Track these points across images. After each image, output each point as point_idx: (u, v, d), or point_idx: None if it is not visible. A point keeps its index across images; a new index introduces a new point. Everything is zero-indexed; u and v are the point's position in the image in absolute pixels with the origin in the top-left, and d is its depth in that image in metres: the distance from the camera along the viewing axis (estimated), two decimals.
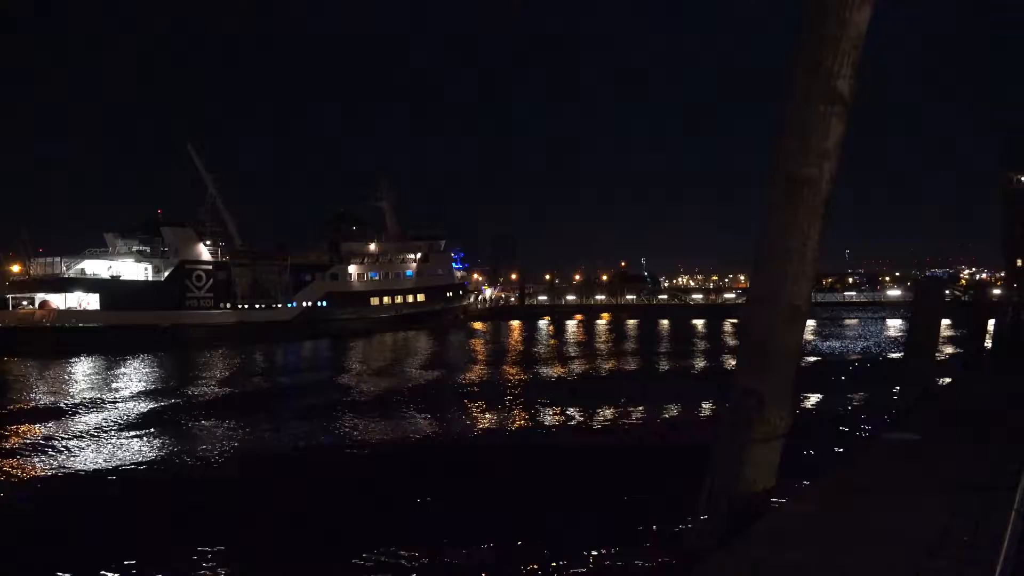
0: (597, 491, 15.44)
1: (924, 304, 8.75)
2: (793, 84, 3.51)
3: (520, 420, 24.50)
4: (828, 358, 43.42)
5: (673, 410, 25.40)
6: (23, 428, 24.29)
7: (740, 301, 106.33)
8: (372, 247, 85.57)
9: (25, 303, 62.57)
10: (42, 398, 31.51)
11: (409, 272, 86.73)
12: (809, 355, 42.94)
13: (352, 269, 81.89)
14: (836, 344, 54.21)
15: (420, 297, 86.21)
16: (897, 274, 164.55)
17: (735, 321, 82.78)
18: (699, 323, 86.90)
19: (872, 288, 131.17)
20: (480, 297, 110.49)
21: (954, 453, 5.46)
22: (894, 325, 74.26)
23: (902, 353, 9.05)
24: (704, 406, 25.69)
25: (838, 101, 3.39)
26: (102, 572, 11.34)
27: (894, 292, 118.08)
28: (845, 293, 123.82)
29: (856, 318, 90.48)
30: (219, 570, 11.44)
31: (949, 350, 39.68)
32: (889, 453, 5.54)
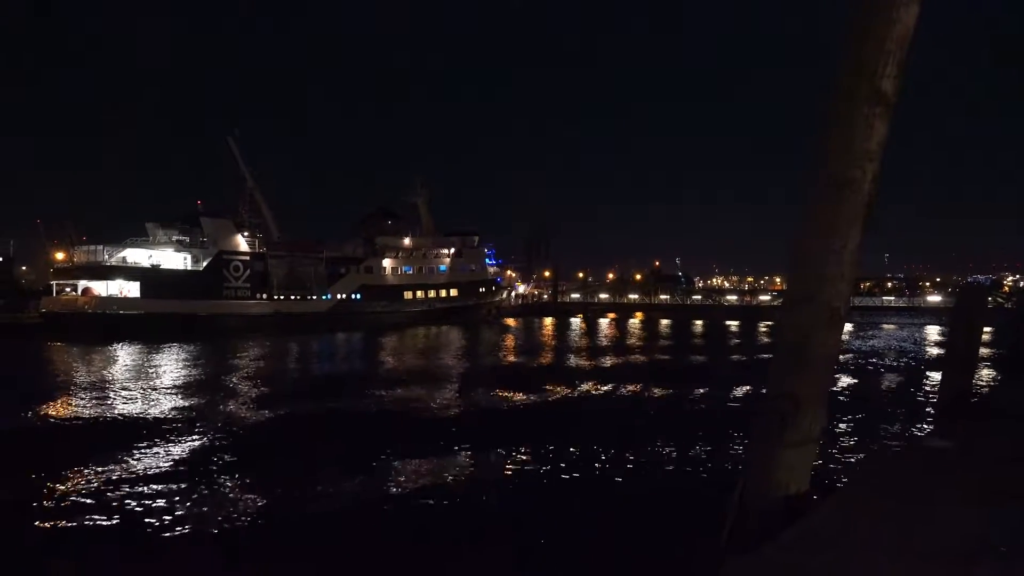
0: (619, 491, 15.39)
1: (965, 310, 8.56)
2: (835, 82, 3.46)
3: (544, 414, 24.49)
4: (865, 363, 42.74)
5: (704, 411, 25.22)
6: (70, 407, 24.92)
7: (775, 303, 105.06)
8: (406, 241, 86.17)
9: (68, 290, 64.07)
10: (87, 380, 32.28)
11: (442, 267, 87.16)
12: (846, 359, 42.33)
13: (386, 263, 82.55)
14: (874, 349, 53.35)
15: (453, 292, 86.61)
16: (938, 279, 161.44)
17: (770, 323, 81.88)
18: (733, 324, 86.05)
19: (912, 293, 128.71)
20: (513, 293, 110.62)
21: (992, 461, 5.35)
22: (934, 331, 72.85)
23: (941, 360, 8.85)
24: (736, 407, 25.46)
25: (882, 101, 3.33)
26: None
27: (934, 297, 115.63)
28: (884, 298, 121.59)
29: (894, 323, 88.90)
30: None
31: (990, 358, 38.86)
32: (925, 459, 5.45)
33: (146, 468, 17.14)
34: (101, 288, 63.67)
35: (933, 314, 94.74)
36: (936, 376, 31.66)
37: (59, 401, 27.09)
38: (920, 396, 28.26)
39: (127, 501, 14.40)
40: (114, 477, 16.33)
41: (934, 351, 50.18)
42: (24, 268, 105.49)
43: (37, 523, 13.11)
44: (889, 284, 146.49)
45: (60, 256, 67.78)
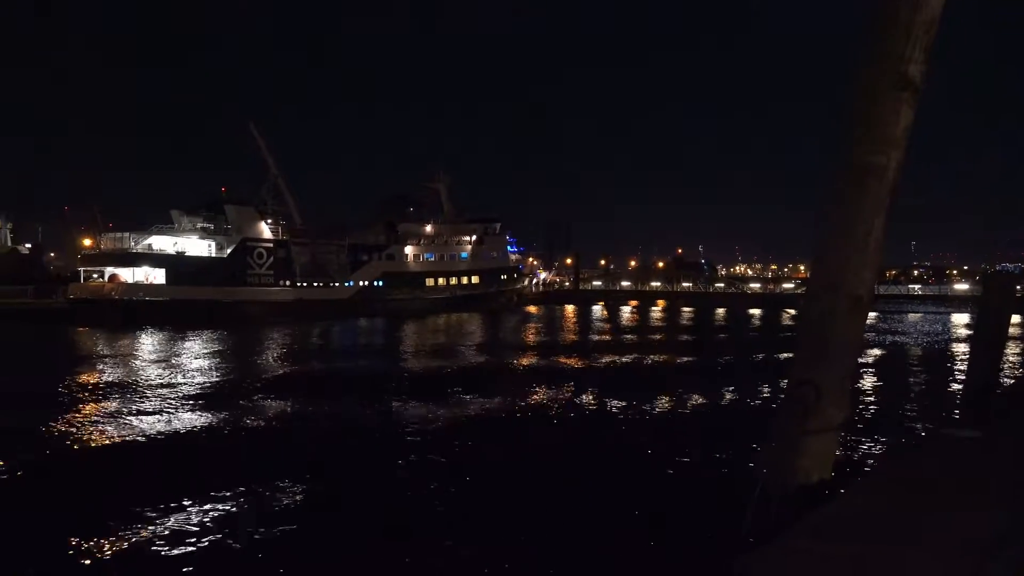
0: (640, 480, 15.38)
1: (993, 299, 8.46)
2: (860, 68, 3.42)
3: (560, 399, 24.51)
4: (890, 351, 42.33)
5: (724, 397, 25.12)
6: (96, 391, 25.31)
7: (798, 291, 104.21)
8: (428, 228, 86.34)
9: (96, 276, 64.94)
10: (112, 366, 32.78)
11: (464, 254, 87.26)
12: (870, 348, 41.95)
13: (408, 250, 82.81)
14: (899, 338, 52.80)
15: (475, 279, 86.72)
16: (965, 267, 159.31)
17: (793, 311, 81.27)
18: (756, 312, 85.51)
19: (938, 282, 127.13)
20: (535, 281, 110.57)
21: (1018, 452, 5.31)
22: (960, 320, 71.94)
23: (968, 349, 8.76)
24: (757, 395, 25.35)
25: (908, 87, 3.30)
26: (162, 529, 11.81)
27: (961, 286, 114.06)
28: (909, 286, 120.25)
29: (920, 312, 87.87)
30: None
31: (1018, 347, 38.35)
32: (950, 449, 5.41)
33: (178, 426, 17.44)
34: (127, 275, 64.43)
35: (960, 303, 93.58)
36: (962, 365, 31.27)
37: (84, 386, 27.57)
38: (946, 385, 27.95)
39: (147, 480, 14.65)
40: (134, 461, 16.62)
41: (961, 340, 49.57)
42: (52, 254, 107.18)
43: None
44: (915, 272, 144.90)
45: (87, 243, 68.72)
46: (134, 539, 11.61)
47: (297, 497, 13.64)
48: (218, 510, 12.80)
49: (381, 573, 10.76)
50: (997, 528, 3.51)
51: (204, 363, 34.13)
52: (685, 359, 38.34)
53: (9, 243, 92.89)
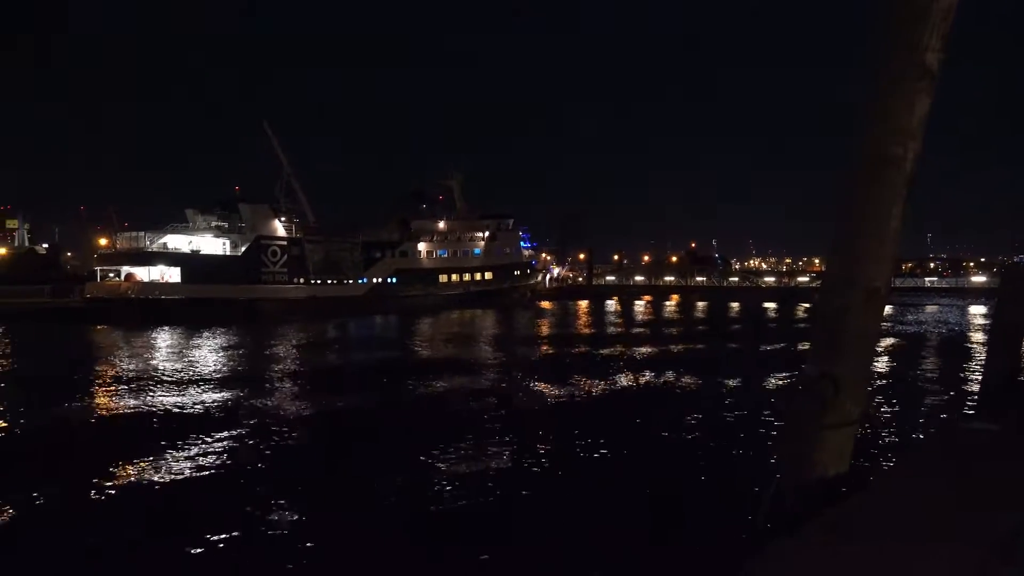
0: (653, 473, 15.34)
1: (1011, 291, 8.36)
2: (876, 58, 3.38)
3: (572, 394, 24.49)
4: (906, 344, 42.02)
5: (739, 390, 25.01)
6: (113, 391, 25.53)
7: (813, 284, 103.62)
8: (441, 225, 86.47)
9: (112, 275, 65.48)
10: (131, 364, 33.06)
11: (477, 250, 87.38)
12: (887, 340, 41.67)
13: (421, 247, 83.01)
14: (915, 330, 52.40)
15: (488, 275, 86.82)
16: (982, 259, 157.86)
17: (808, 305, 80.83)
18: (771, 306, 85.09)
19: (955, 274, 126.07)
20: (548, 276, 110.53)
21: None
22: (978, 312, 71.31)
23: (986, 341, 8.67)
24: (773, 388, 25.22)
25: (925, 76, 3.25)
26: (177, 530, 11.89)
27: (978, 278, 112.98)
28: (926, 279, 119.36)
29: (936, 304, 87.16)
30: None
31: None
32: (967, 443, 5.35)
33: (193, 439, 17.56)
34: (143, 273, 64.94)
35: (978, 295, 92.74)
36: (979, 358, 31.01)
37: (103, 385, 27.80)
38: (964, 378, 27.73)
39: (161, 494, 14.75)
40: (151, 467, 16.73)
41: (978, 333, 49.13)
42: (69, 254, 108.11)
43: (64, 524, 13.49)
44: (932, 264, 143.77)
45: (103, 242, 69.32)
46: (152, 538, 11.70)
47: (318, 494, 13.70)
48: (237, 509, 12.87)
49: (405, 573, 10.79)
50: (1012, 525, 3.46)
51: (222, 361, 34.37)
52: (700, 352, 38.20)
53: (27, 243, 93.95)
